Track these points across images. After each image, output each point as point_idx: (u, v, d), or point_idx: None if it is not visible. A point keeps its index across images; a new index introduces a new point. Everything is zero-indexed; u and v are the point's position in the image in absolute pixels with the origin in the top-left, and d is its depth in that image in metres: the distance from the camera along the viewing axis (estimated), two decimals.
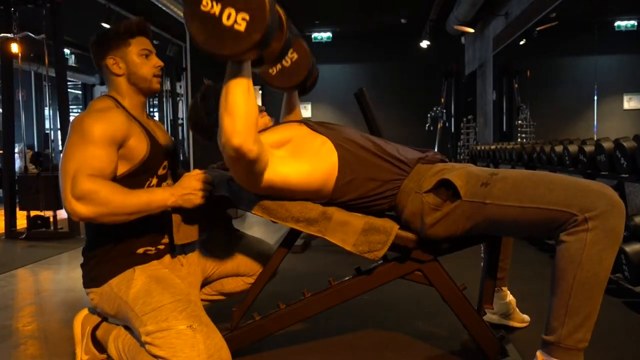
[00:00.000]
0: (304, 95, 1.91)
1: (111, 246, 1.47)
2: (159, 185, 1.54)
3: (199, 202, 1.45)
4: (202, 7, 1.12)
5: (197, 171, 1.50)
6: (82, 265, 1.52)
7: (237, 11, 1.11)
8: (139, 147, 1.45)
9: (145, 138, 1.47)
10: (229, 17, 1.11)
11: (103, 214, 1.29)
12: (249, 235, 1.85)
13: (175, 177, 1.59)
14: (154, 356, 1.31)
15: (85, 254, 1.52)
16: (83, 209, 1.25)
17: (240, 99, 1.21)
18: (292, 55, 1.68)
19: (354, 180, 1.47)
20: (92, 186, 1.26)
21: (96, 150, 1.33)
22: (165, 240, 1.57)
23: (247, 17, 1.11)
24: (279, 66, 1.69)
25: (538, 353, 1.25)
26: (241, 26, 1.11)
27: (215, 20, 1.12)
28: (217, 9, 1.12)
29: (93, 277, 1.48)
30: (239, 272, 1.74)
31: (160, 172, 1.54)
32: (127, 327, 1.51)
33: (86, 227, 1.55)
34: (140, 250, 1.49)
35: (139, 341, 1.39)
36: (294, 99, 1.90)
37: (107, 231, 1.45)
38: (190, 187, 1.44)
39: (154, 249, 1.53)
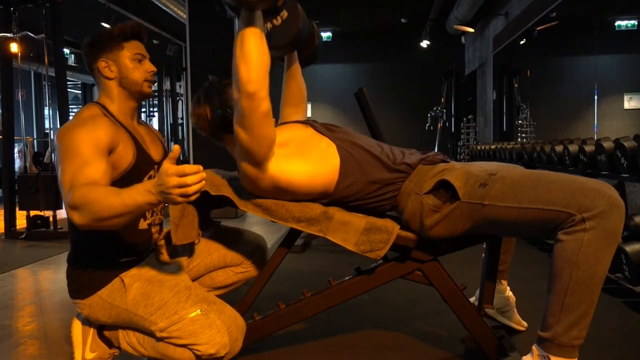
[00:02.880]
0: (308, 65, 1.84)
1: (94, 257, 1.45)
2: None
3: (182, 200, 1.13)
4: None
5: (169, 166, 1.12)
6: (67, 274, 1.50)
7: None
8: (124, 155, 1.41)
9: (131, 146, 1.43)
10: None
11: (96, 219, 1.20)
12: (231, 227, 1.81)
13: None
14: (178, 345, 1.34)
15: (69, 263, 1.49)
16: (79, 218, 1.22)
17: (255, 48, 1.25)
18: (282, 14, 1.64)
19: (355, 183, 1.47)
20: (82, 195, 1.22)
21: (86, 161, 1.29)
22: (149, 247, 1.54)
23: None
24: (269, 25, 1.65)
25: (534, 347, 1.26)
26: None
27: None
28: None
29: (77, 289, 1.46)
30: (227, 263, 1.71)
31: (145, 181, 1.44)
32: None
33: (69, 234, 1.52)
34: (123, 260, 1.46)
35: (153, 337, 1.40)
36: (294, 67, 1.81)
37: (89, 242, 1.44)
38: (165, 185, 1.11)
39: (136, 257, 1.50)
